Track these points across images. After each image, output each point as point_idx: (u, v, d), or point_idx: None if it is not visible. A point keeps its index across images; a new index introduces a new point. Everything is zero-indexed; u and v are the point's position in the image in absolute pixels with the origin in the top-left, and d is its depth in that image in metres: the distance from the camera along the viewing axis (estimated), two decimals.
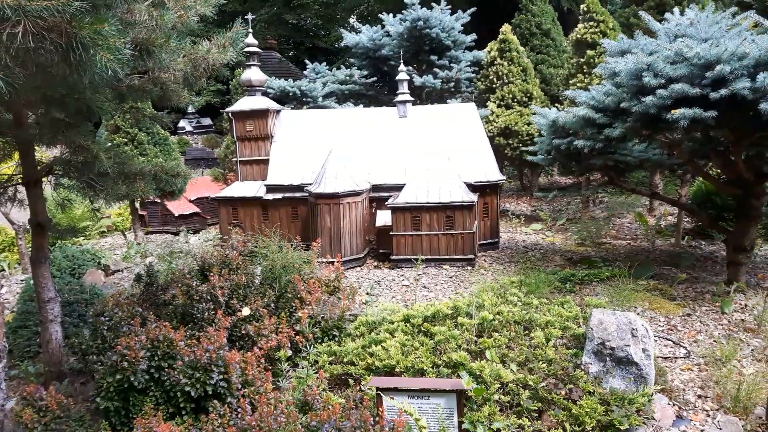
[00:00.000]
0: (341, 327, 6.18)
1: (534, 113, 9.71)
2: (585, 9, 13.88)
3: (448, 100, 15.21)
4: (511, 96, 15.03)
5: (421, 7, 15.19)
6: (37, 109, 5.43)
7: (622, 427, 4.48)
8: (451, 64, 15.63)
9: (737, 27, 6.94)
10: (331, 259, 8.51)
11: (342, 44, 18.16)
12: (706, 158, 8.58)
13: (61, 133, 5.51)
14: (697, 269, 8.93)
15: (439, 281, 8.89)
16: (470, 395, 4.61)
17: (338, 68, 17.71)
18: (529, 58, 16.61)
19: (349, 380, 5.34)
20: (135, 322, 5.41)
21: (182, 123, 28.43)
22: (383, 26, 16.03)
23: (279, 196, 10.90)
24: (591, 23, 13.67)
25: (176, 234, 14.12)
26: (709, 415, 4.97)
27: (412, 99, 11.76)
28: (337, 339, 6.09)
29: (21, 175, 5.85)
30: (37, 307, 6.01)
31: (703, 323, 6.79)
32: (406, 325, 5.88)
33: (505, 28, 15.46)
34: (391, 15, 15.84)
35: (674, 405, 5.12)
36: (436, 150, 10.65)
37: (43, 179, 5.96)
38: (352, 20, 31.23)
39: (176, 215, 14.57)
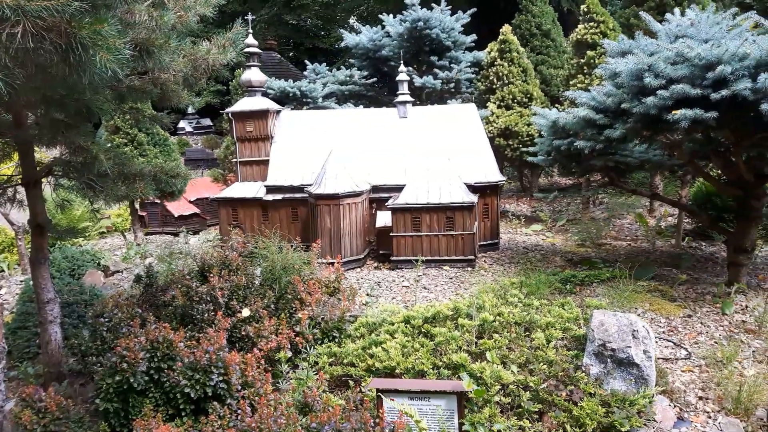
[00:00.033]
0: (341, 328, 6.17)
1: (534, 114, 9.70)
2: (585, 10, 13.88)
3: (449, 101, 15.20)
4: (511, 97, 15.02)
5: (421, 8, 15.18)
6: (36, 109, 5.42)
7: (623, 429, 4.47)
8: (452, 65, 15.62)
9: (738, 28, 6.94)
10: (331, 260, 8.50)
11: (342, 45, 18.15)
12: (706, 159, 8.57)
13: (60, 134, 5.50)
14: (697, 270, 8.92)
15: (440, 282, 8.87)
16: (471, 397, 4.60)
17: (338, 69, 17.70)
18: (529, 58, 16.61)
19: (350, 382, 5.33)
20: (134, 323, 5.40)
21: (182, 124, 28.42)
22: (383, 27, 16.03)
23: (279, 196, 10.89)
24: (591, 24, 13.66)
25: (176, 235, 14.10)
26: (710, 417, 4.96)
27: (412, 100, 11.75)
28: (337, 340, 6.08)
29: (20, 176, 5.84)
30: (36, 308, 6.00)
31: (704, 324, 6.78)
32: (406, 327, 5.87)
33: (506, 28, 15.45)
34: (391, 15, 15.83)
35: (675, 406, 5.11)
36: (436, 151, 10.64)
37: (43, 180, 5.95)
38: (352, 21, 31.24)
39: (176, 216, 14.55)
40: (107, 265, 10.79)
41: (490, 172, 10.65)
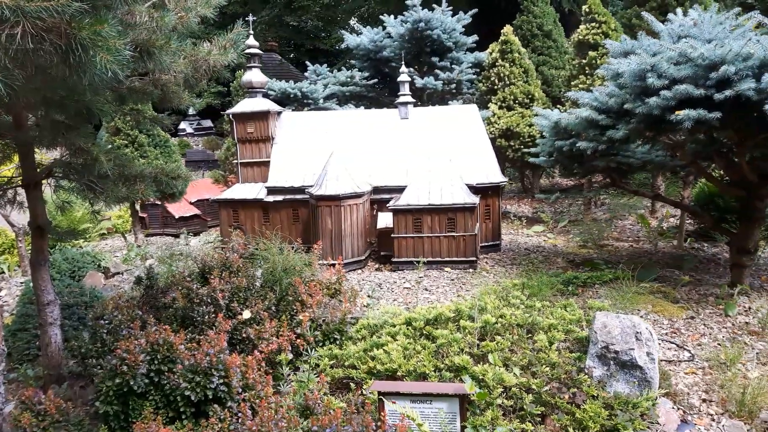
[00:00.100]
0: (342, 330, 6.14)
1: (536, 115, 9.67)
2: (587, 10, 13.85)
3: (450, 102, 15.19)
4: (512, 97, 15.00)
5: (422, 9, 15.17)
6: (36, 111, 5.40)
7: None
8: (453, 66, 15.60)
9: (741, 28, 6.91)
10: (333, 262, 8.47)
11: (343, 46, 18.14)
12: (709, 160, 8.53)
13: (61, 135, 5.48)
14: (700, 272, 8.88)
15: (441, 284, 8.84)
16: (473, 399, 4.57)
17: (339, 70, 17.69)
18: (530, 59, 16.58)
19: (351, 384, 5.31)
20: (135, 325, 5.38)
21: (183, 125, 28.40)
22: (384, 28, 16.02)
23: (280, 198, 10.87)
24: (593, 24, 13.63)
25: (177, 236, 14.09)
26: (714, 420, 4.93)
27: (414, 101, 11.74)
28: (338, 342, 6.05)
29: (21, 178, 5.82)
30: (36, 310, 5.98)
31: (707, 326, 6.74)
32: (407, 329, 5.84)
33: (507, 29, 15.43)
34: (392, 16, 15.82)
35: (679, 409, 5.07)
36: (437, 152, 10.62)
37: (43, 181, 5.94)
38: (353, 22, 31.27)
39: (177, 217, 14.54)
40: (107, 267, 10.77)
41: (492, 173, 10.62)
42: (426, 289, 8.58)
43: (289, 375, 5.44)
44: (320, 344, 5.99)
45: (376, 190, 10.58)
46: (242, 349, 5.64)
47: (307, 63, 18.25)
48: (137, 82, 5.41)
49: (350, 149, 10.81)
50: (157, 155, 12.58)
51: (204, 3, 5.02)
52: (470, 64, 15.74)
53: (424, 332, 5.76)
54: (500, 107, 15.08)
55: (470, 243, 9.60)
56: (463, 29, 15.85)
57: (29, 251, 8.20)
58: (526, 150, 13.79)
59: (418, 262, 8.61)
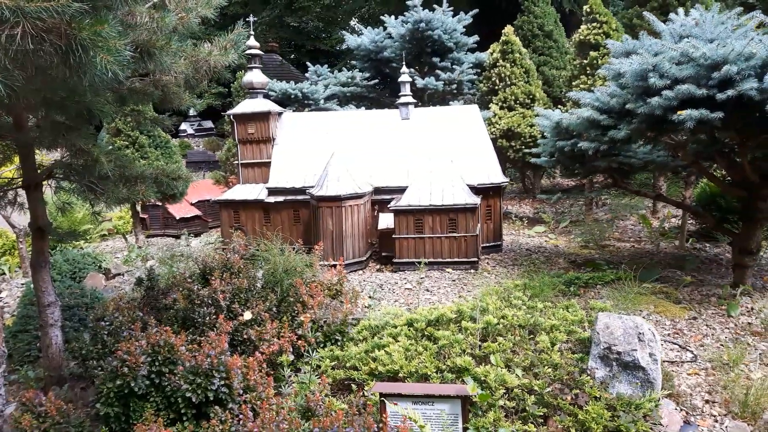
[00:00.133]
0: (344, 331, 6.12)
1: (537, 115, 9.66)
2: (588, 10, 13.83)
3: (451, 102, 15.17)
4: (513, 98, 14.98)
5: (423, 9, 15.16)
6: (37, 111, 5.40)
7: None
8: (453, 66, 15.58)
9: (743, 27, 6.89)
10: (334, 263, 8.46)
11: (344, 46, 18.16)
12: (711, 160, 8.51)
13: (61, 137, 5.48)
14: (702, 272, 8.86)
15: (443, 284, 8.83)
16: (475, 401, 4.55)
17: (340, 70, 17.67)
18: (531, 59, 16.56)
19: (352, 386, 5.29)
20: (136, 326, 5.37)
21: (183, 126, 28.42)
22: (385, 28, 16.00)
23: (281, 198, 10.86)
24: (594, 24, 13.61)
25: (177, 237, 14.08)
26: (717, 421, 4.91)
27: (414, 101, 11.72)
28: (339, 343, 6.03)
29: (21, 179, 5.82)
30: (37, 312, 5.98)
31: (710, 327, 6.72)
32: (409, 330, 5.82)
33: (508, 29, 15.42)
34: (392, 17, 15.80)
35: (681, 410, 5.05)
36: (438, 152, 10.60)
37: (44, 183, 5.93)
38: (354, 22, 31.29)
39: (177, 218, 14.53)
40: (108, 268, 10.76)
41: (493, 174, 10.61)
42: (427, 290, 8.56)
43: (290, 376, 5.42)
44: (321, 345, 5.98)
45: (377, 190, 10.57)
46: (243, 351, 5.62)
47: (308, 64, 18.24)
48: (138, 83, 5.40)
49: (351, 150, 10.80)
50: (157, 156, 12.58)
51: (205, 4, 5.02)
52: (471, 65, 15.72)
53: (426, 333, 5.74)
54: (501, 107, 15.06)
55: (471, 243, 9.58)
56: (464, 30, 15.83)
57: (30, 252, 8.19)
58: (527, 150, 13.76)
59: (420, 262, 8.59)
